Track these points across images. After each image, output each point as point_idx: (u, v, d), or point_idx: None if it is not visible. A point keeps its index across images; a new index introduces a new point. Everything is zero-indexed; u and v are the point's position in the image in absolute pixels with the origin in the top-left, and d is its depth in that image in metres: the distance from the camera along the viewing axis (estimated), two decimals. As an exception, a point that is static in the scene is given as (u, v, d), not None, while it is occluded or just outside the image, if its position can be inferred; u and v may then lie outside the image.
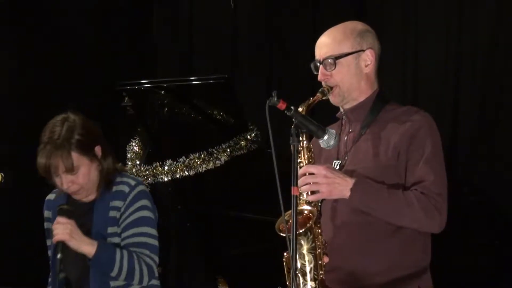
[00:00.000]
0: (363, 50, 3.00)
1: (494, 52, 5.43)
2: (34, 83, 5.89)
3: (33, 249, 5.32)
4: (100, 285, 3.11)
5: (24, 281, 5.18)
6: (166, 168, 4.60)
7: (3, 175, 3.87)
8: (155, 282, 3.21)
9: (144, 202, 3.15)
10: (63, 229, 3.01)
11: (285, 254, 2.80)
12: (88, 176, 3.10)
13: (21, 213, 5.56)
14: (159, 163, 4.73)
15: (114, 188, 3.14)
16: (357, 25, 3.04)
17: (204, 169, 4.60)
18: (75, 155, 3.04)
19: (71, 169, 3.04)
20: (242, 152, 4.61)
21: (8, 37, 5.79)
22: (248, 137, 4.62)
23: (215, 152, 4.61)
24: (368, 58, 3.01)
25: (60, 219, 3.03)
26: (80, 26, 6.17)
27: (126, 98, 4.66)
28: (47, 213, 3.26)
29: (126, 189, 3.13)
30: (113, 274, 3.06)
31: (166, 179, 4.73)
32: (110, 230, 3.12)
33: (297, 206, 2.67)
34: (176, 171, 4.62)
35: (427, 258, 2.97)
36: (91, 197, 3.18)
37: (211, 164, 4.60)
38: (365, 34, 3.02)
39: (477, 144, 5.45)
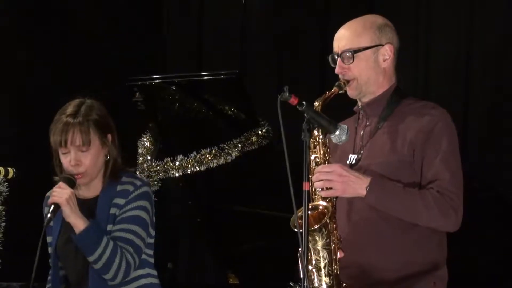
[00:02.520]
0: (382, 45, 2.99)
1: (506, 49, 5.41)
2: (44, 79, 5.90)
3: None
4: (98, 285, 3.05)
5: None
6: (177, 163, 4.61)
7: (14, 170, 3.88)
8: (141, 272, 3.13)
9: (144, 203, 3.10)
10: (61, 193, 2.98)
11: (299, 249, 2.81)
12: (95, 160, 3.07)
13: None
14: (170, 159, 4.73)
15: (119, 187, 3.10)
16: (377, 19, 3.04)
17: (215, 164, 4.60)
18: (93, 134, 3.05)
19: (86, 144, 3.03)
20: (253, 147, 4.61)
21: (17, 31, 5.79)
22: (259, 132, 4.61)
23: (226, 147, 4.60)
24: (387, 53, 3.00)
25: (62, 185, 3.01)
26: (88, 20, 6.17)
27: (137, 93, 4.67)
28: (47, 210, 3.14)
29: (130, 188, 3.09)
30: (92, 258, 2.99)
31: (177, 175, 4.73)
32: (109, 227, 3.07)
33: (309, 201, 2.68)
34: (187, 166, 4.63)
35: (443, 254, 2.97)
36: (94, 192, 3.14)
37: (222, 159, 4.60)
38: (385, 28, 3.01)
39: (488, 140, 5.44)
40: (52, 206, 2.99)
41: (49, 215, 2.98)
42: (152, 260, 3.19)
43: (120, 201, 3.07)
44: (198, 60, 6.68)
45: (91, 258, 2.99)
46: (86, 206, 3.09)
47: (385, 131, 2.96)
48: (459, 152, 2.97)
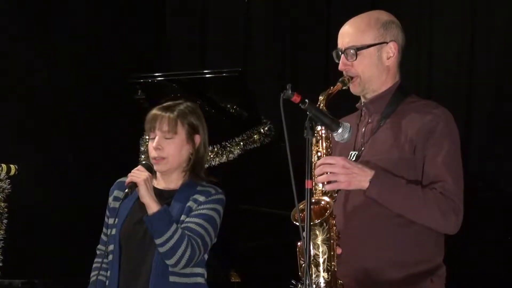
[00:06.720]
0: (386, 42, 2.97)
1: (509, 44, 5.40)
2: (46, 75, 5.90)
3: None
4: (161, 270, 3.15)
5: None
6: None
7: (16, 167, 3.89)
8: (199, 270, 3.26)
9: (220, 208, 3.25)
10: (139, 174, 3.14)
11: (298, 244, 2.80)
12: (178, 152, 3.23)
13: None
14: (172, 156, 4.72)
15: (201, 188, 3.25)
16: (382, 16, 3.01)
17: (217, 162, 4.60)
18: (180, 126, 3.22)
19: (171, 132, 3.20)
20: (255, 145, 4.60)
21: (18, 31, 5.80)
22: (261, 130, 4.61)
23: (228, 145, 4.60)
24: (391, 51, 2.98)
25: (141, 168, 3.17)
26: (92, 18, 6.17)
27: (140, 91, 4.66)
28: (117, 193, 3.34)
29: (212, 191, 3.25)
30: (160, 241, 3.10)
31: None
32: (183, 218, 3.19)
33: (311, 199, 2.66)
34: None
35: (441, 252, 2.95)
36: (172, 186, 3.27)
37: (224, 157, 4.60)
38: (390, 25, 2.98)
39: (491, 138, 5.43)
40: (131, 185, 3.14)
41: (126, 190, 3.13)
42: (205, 264, 3.30)
43: (200, 198, 3.22)
44: (200, 58, 6.69)
45: (158, 241, 3.10)
46: (163, 196, 3.22)
47: (387, 129, 2.94)
48: (463, 149, 2.95)
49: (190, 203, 3.21)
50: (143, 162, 3.22)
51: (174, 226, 3.11)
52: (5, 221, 4.02)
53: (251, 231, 4.86)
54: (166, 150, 3.21)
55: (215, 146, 4.61)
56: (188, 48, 6.75)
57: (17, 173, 3.81)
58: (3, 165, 3.74)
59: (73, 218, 5.84)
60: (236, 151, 4.59)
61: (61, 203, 5.80)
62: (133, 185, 3.13)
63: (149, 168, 3.19)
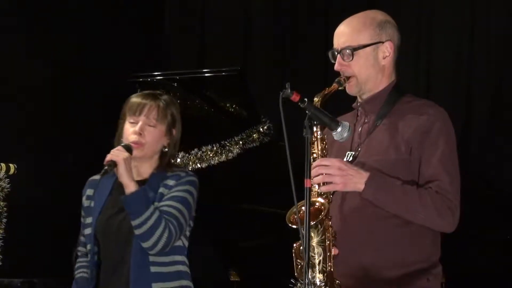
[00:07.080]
0: (382, 42, 2.97)
1: (508, 42, 5.40)
2: (45, 75, 5.91)
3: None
4: (140, 261, 3.13)
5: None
6: (178, 160, 4.59)
7: (16, 166, 3.89)
8: (179, 258, 3.25)
9: (192, 189, 3.24)
10: (119, 154, 3.13)
11: (294, 245, 2.80)
12: (156, 141, 3.25)
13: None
14: (172, 156, 4.73)
15: (170, 173, 3.25)
16: (378, 15, 3.01)
17: (216, 161, 4.60)
18: (165, 116, 3.25)
19: (157, 120, 3.22)
20: (254, 144, 4.60)
21: (18, 30, 5.80)
22: (261, 129, 4.61)
23: (228, 144, 4.60)
24: (387, 50, 2.98)
25: (120, 148, 3.17)
26: (92, 18, 6.17)
27: (139, 90, 4.66)
28: (89, 191, 3.35)
29: (182, 174, 3.25)
30: (137, 221, 3.09)
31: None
32: (156, 204, 3.17)
33: (310, 198, 2.67)
34: (189, 163, 4.62)
35: (437, 251, 2.95)
36: (142, 176, 3.26)
37: (224, 156, 4.60)
38: (385, 25, 2.98)
39: (491, 136, 5.43)
40: (110, 163, 3.13)
41: (105, 167, 3.12)
42: (186, 252, 3.28)
43: (171, 182, 3.22)
44: (200, 58, 6.69)
45: (136, 222, 3.09)
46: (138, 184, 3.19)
47: (383, 129, 2.95)
48: (463, 148, 2.96)
49: (161, 189, 3.21)
50: (123, 144, 3.21)
51: (152, 207, 3.11)
52: (4, 220, 4.03)
53: (250, 230, 4.86)
54: (146, 137, 3.22)
55: (214, 145, 4.62)
56: (188, 48, 6.75)
57: (16, 172, 3.81)
58: (2, 164, 3.74)
59: (73, 218, 5.83)
60: (236, 150, 4.60)
61: (61, 203, 5.80)
62: (112, 164, 3.12)
63: (129, 150, 3.18)
